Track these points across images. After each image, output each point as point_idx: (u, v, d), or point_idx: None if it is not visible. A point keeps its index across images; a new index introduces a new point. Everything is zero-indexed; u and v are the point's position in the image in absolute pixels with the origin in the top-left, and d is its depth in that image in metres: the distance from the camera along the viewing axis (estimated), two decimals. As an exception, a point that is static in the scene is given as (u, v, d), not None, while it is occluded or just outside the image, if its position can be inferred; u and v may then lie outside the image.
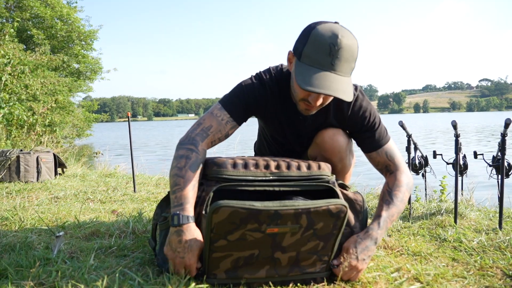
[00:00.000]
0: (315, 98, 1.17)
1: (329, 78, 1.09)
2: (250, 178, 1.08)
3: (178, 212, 1.09)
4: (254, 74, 1.35)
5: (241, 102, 1.29)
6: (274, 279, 1.09)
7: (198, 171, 1.14)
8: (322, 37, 1.10)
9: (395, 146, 1.42)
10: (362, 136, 1.38)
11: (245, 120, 1.34)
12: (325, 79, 1.09)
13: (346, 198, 1.19)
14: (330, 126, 1.39)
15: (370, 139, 1.38)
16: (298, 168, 1.11)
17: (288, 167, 1.11)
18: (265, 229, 1.00)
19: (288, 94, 1.33)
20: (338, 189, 1.17)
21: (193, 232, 1.08)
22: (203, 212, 1.10)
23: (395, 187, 1.31)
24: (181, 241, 1.06)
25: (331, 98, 1.22)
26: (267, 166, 1.10)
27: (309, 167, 1.12)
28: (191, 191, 1.11)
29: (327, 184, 1.15)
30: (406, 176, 1.35)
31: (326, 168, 1.17)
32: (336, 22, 1.16)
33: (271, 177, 1.09)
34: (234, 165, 1.09)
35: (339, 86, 1.10)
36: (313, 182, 1.13)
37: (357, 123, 1.37)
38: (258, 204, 0.97)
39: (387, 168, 1.37)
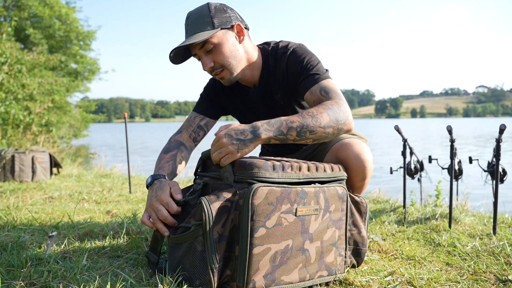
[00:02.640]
0: (202, 63, 1.34)
1: (181, 43, 1.28)
2: (287, 180, 1.08)
3: (152, 175, 1.27)
4: None
5: (204, 97, 1.54)
6: (305, 282, 1.11)
7: (170, 153, 1.40)
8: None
9: (336, 85, 1.29)
10: (299, 81, 1.32)
11: (218, 112, 1.54)
12: (178, 44, 1.29)
13: (353, 200, 1.27)
14: (278, 92, 1.40)
15: (305, 80, 1.30)
16: (324, 170, 1.17)
17: (317, 169, 1.15)
18: (296, 210, 1.07)
19: None
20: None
21: (163, 181, 1.21)
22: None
23: (313, 107, 1.19)
24: (153, 190, 1.19)
25: (220, 56, 1.31)
26: (299, 168, 1.12)
27: (332, 169, 1.20)
28: (164, 164, 1.34)
29: (342, 186, 1.20)
30: (335, 104, 1.19)
31: (342, 169, 1.24)
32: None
33: (303, 179, 1.12)
34: (274, 168, 1.08)
35: (190, 40, 1.27)
36: (336, 183, 1.21)
37: (296, 69, 1.33)
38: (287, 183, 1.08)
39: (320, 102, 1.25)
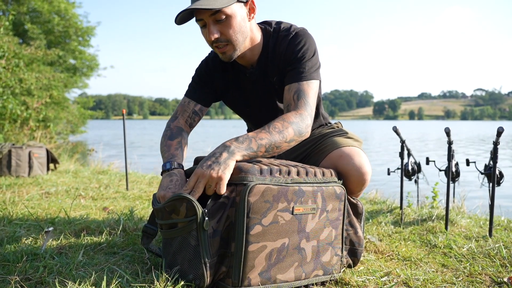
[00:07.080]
0: (208, 32, 1.23)
1: (195, 4, 1.18)
2: (275, 184, 1.07)
3: (170, 160, 1.24)
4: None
5: (196, 82, 1.47)
6: (300, 281, 1.11)
7: (176, 140, 1.36)
8: None
9: (314, 91, 1.29)
10: (288, 70, 1.31)
11: (211, 98, 1.47)
12: (192, 5, 1.19)
13: (350, 202, 1.28)
14: (274, 75, 1.36)
15: (291, 72, 1.29)
16: (315, 175, 1.17)
17: (306, 173, 1.15)
18: (293, 209, 1.07)
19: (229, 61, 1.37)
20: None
21: (182, 175, 1.20)
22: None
23: (278, 119, 1.19)
24: (172, 180, 1.16)
25: (230, 30, 1.24)
26: (288, 172, 1.11)
27: (323, 174, 1.19)
28: (175, 151, 1.31)
29: (340, 185, 1.21)
30: (299, 117, 1.22)
31: (335, 174, 1.24)
32: None
33: (291, 184, 1.10)
34: (261, 172, 1.07)
35: (206, 4, 1.17)
36: (334, 183, 1.21)
37: (291, 55, 1.31)
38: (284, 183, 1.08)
39: (287, 108, 1.27)
